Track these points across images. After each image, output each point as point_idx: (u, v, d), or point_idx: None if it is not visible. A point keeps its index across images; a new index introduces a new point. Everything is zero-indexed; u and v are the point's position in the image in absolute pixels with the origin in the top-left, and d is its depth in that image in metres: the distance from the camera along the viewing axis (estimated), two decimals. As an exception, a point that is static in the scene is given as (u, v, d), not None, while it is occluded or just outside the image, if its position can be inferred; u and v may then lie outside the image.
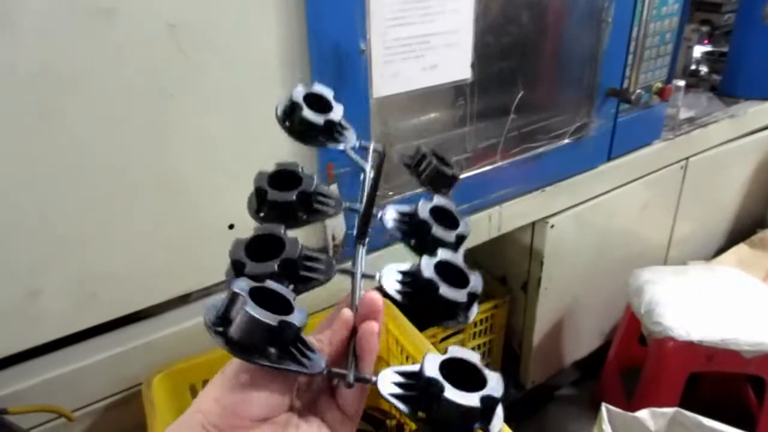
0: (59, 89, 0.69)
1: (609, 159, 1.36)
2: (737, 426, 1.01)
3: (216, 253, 0.87)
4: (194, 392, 0.88)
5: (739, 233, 1.92)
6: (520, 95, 1.14)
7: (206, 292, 0.93)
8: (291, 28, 0.81)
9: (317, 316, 0.77)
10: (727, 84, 1.78)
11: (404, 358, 0.92)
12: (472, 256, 1.54)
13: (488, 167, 1.12)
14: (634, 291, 1.40)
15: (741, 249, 1.82)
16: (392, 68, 0.91)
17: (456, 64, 0.99)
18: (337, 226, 0.95)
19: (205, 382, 0.87)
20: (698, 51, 1.87)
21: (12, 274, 0.74)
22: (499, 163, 1.14)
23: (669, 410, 1.05)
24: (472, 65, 1.01)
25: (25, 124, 0.69)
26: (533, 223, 1.31)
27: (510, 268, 1.44)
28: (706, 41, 1.88)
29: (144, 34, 0.72)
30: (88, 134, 0.73)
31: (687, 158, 1.57)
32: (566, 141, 1.24)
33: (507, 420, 0.76)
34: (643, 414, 1.05)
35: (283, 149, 0.88)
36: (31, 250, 0.74)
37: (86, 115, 0.72)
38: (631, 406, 1.11)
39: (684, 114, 1.61)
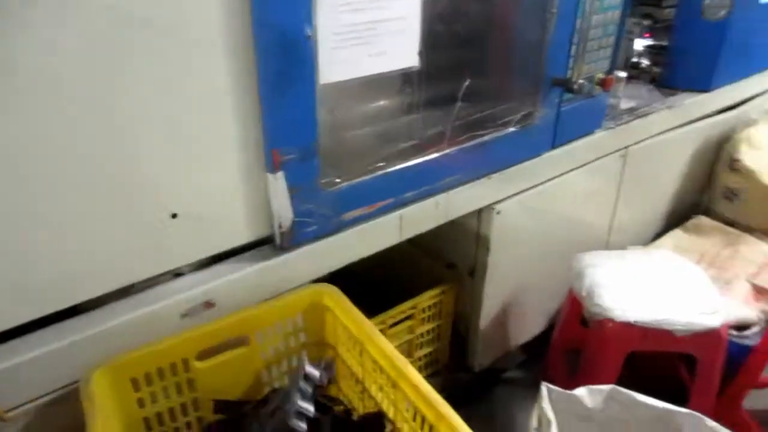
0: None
1: (553, 147, 1.39)
2: (673, 401, 1.06)
3: (159, 244, 0.86)
4: (136, 386, 0.85)
5: (676, 219, 2.01)
6: (466, 83, 1.15)
7: (150, 282, 0.90)
8: (235, 12, 0.79)
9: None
10: (667, 76, 1.85)
11: (357, 352, 0.93)
12: (419, 243, 1.55)
13: (435, 154, 1.13)
14: (576, 275, 1.44)
15: (677, 234, 1.91)
16: (339, 55, 0.91)
17: (403, 51, 0.99)
18: (283, 214, 0.94)
19: (147, 375, 0.85)
20: (640, 44, 1.93)
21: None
22: (447, 151, 1.15)
23: (605, 387, 1.09)
24: (420, 53, 1.02)
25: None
26: (480, 210, 1.33)
27: (458, 254, 1.46)
28: (647, 35, 1.94)
29: (82, 14, 0.68)
30: (20, 121, 0.69)
31: (627, 147, 1.63)
32: (512, 129, 1.26)
33: (455, 403, 0.78)
34: (581, 392, 1.09)
35: (226, 138, 0.87)
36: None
37: (17, 101, 0.68)
38: (574, 385, 1.14)
39: (625, 104, 1.67)
